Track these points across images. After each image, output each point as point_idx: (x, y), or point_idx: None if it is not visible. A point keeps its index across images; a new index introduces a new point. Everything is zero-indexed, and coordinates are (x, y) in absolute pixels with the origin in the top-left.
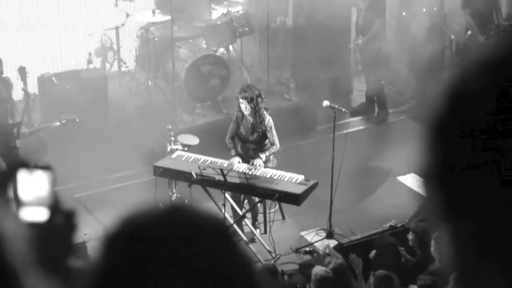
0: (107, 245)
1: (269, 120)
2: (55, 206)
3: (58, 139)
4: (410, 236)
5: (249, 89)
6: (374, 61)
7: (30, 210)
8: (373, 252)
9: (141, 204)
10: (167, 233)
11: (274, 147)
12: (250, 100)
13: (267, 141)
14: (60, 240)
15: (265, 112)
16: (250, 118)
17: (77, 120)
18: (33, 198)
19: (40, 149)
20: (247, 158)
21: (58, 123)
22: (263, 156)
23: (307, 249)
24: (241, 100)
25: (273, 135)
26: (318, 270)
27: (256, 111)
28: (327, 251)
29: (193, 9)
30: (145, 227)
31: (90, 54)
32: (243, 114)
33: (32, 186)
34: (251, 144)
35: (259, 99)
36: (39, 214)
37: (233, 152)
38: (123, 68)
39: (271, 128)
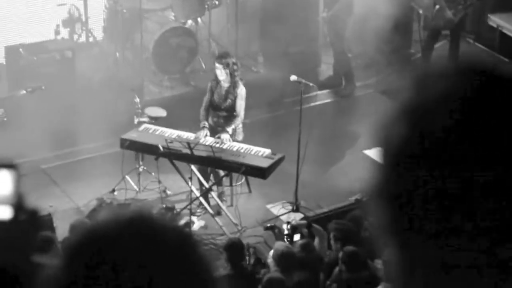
0: (68, 257)
1: (242, 89)
2: (18, 204)
3: (25, 109)
4: None
5: (226, 54)
6: (340, 35)
7: None
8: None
9: (106, 214)
10: (130, 246)
11: (238, 119)
12: (226, 66)
13: None
14: (24, 238)
15: (239, 82)
16: (225, 85)
17: (43, 87)
18: None
19: None
20: (216, 128)
21: (24, 92)
22: (229, 129)
23: (268, 224)
24: (217, 65)
25: (241, 105)
26: (279, 245)
27: (231, 78)
28: (293, 222)
29: None
30: (107, 239)
31: (58, 25)
32: (217, 83)
33: None
34: (223, 111)
35: (235, 67)
36: (2, 213)
37: (202, 124)
38: (91, 39)
39: (242, 97)
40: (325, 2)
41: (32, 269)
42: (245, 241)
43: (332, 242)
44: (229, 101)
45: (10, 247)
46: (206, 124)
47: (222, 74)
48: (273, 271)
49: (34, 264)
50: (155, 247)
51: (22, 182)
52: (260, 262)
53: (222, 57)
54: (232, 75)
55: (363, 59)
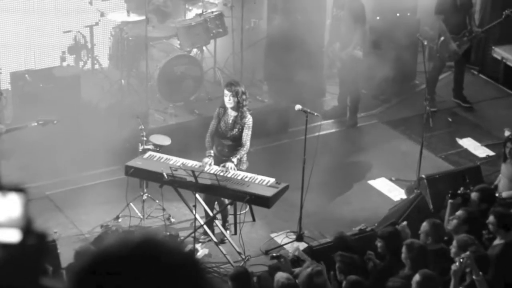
0: (77, 280)
1: (249, 118)
2: (27, 227)
3: (30, 136)
4: (378, 243)
5: (235, 83)
6: (354, 69)
7: (2, 231)
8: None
9: (113, 238)
10: (138, 270)
11: (244, 149)
12: (235, 94)
13: None
14: (32, 261)
15: (247, 112)
16: (232, 114)
17: (55, 122)
18: (5, 219)
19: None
20: (220, 157)
21: (36, 124)
22: (234, 159)
23: (274, 254)
24: (226, 92)
25: (247, 135)
26: (280, 277)
27: (239, 107)
28: (296, 253)
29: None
30: (116, 263)
31: (63, 52)
32: (225, 110)
33: (5, 208)
34: (228, 140)
35: (244, 96)
36: (11, 236)
37: (208, 152)
38: (96, 66)
39: (248, 127)
40: (330, 33)
41: None
42: (249, 270)
43: (337, 273)
44: (235, 130)
45: (19, 269)
46: (212, 153)
47: (230, 102)
48: None
49: (42, 286)
50: (163, 271)
51: (30, 206)
52: None
53: (232, 84)
54: (240, 104)
55: (368, 89)
